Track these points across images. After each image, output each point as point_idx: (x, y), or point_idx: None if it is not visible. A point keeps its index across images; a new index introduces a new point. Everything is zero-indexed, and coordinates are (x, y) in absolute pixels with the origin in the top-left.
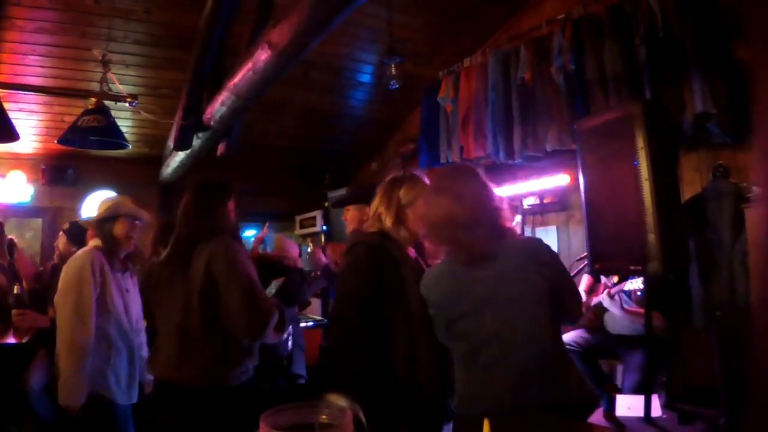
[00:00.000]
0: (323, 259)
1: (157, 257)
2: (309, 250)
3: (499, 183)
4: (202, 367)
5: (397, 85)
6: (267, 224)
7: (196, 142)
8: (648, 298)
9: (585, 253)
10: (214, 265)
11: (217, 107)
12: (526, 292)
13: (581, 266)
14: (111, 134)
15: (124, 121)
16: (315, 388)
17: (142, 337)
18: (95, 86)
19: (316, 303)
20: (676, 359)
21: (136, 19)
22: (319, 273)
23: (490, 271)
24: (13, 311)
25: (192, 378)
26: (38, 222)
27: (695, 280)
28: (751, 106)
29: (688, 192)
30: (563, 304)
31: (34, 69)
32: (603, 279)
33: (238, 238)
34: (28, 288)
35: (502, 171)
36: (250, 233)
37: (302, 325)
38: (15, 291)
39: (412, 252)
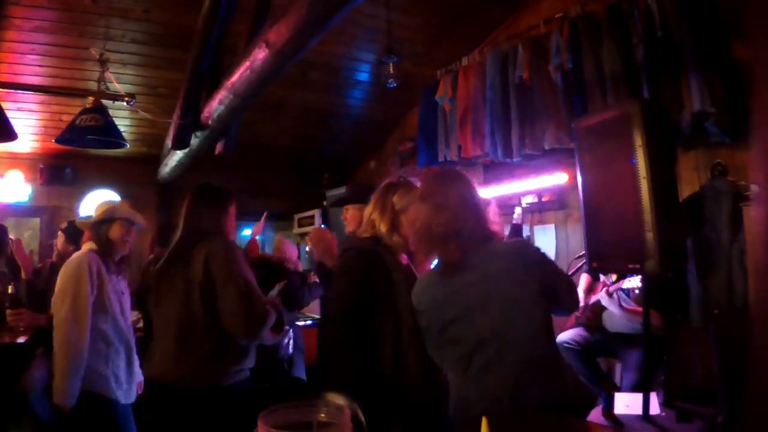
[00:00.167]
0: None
1: (154, 257)
2: (307, 249)
3: (497, 182)
4: (199, 367)
5: (395, 84)
6: (265, 215)
7: (194, 141)
8: (646, 297)
9: (583, 252)
10: (213, 264)
11: (215, 106)
12: (518, 294)
13: (579, 265)
14: (109, 133)
15: (122, 120)
16: (313, 388)
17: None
18: (93, 85)
19: (314, 302)
20: (674, 357)
21: (134, 19)
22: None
23: (481, 274)
24: (8, 311)
25: (189, 377)
26: (36, 221)
27: (693, 279)
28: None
29: (686, 191)
30: (558, 297)
31: (32, 68)
32: (601, 277)
33: (233, 240)
34: (25, 280)
35: (500, 170)
36: (248, 232)
37: (300, 323)
38: (9, 291)
39: (404, 258)
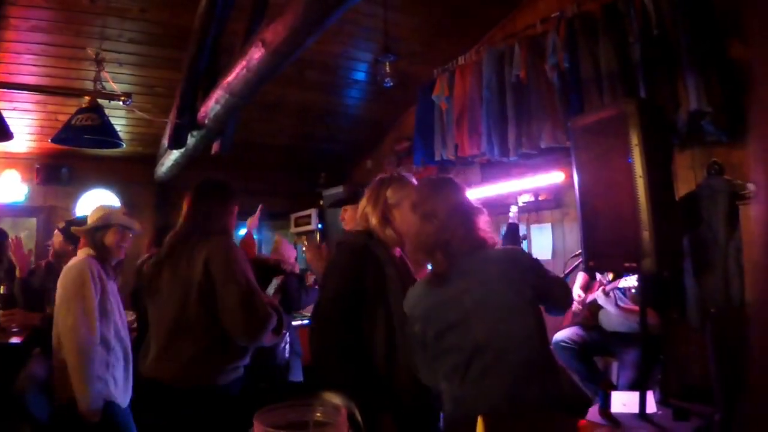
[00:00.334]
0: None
1: (148, 256)
2: (303, 249)
3: (494, 181)
4: (194, 366)
5: (392, 84)
6: (260, 207)
7: (191, 140)
8: (643, 296)
9: (580, 251)
10: (213, 264)
11: (212, 106)
12: (513, 299)
13: (576, 264)
14: (105, 133)
15: (119, 119)
16: (309, 387)
17: None
18: (89, 85)
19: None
20: (670, 356)
21: (131, 18)
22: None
23: (476, 281)
24: (0, 312)
25: (184, 376)
26: (32, 221)
27: (690, 278)
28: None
29: (682, 189)
30: (552, 298)
31: (29, 68)
32: (598, 276)
33: (232, 238)
34: (20, 278)
35: (497, 169)
36: (243, 232)
37: (296, 323)
38: (1, 291)
39: (398, 251)
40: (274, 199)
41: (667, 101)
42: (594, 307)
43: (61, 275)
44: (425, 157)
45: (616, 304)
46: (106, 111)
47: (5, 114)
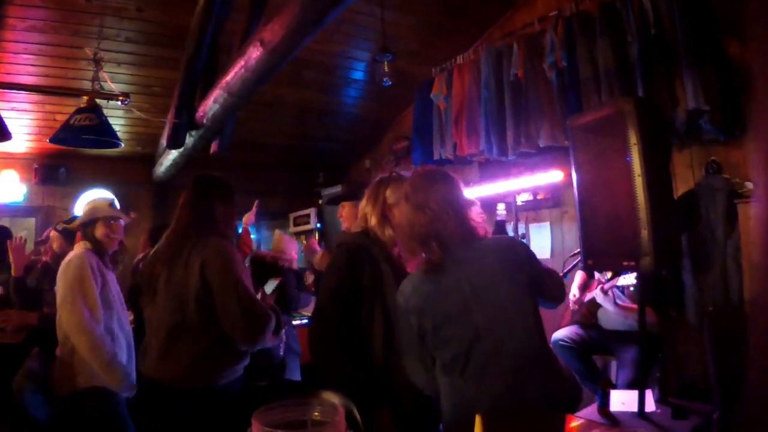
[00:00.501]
0: (317, 247)
1: (144, 255)
2: (302, 248)
3: (492, 180)
4: (192, 367)
5: (390, 83)
6: (256, 203)
7: (189, 140)
8: (641, 294)
9: (578, 249)
10: (209, 271)
11: (210, 105)
12: (510, 288)
13: (575, 262)
14: (103, 133)
15: (117, 119)
16: (308, 386)
17: None
18: (87, 85)
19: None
20: (669, 355)
21: (129, 18)
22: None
23: (472, 270)
24: None
25: (183, 377)
26: (31, 221)
27: (688, 276)
28: (744, 102)
29: (680, 188)
30: (545, 289)
31: (26, 68)
32: (596, 275)
33: (229, 239)
34: (14, 277)
35: (496, 168)
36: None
37: (296, 323)
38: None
39: (396, 251)
40: (272, 198)
41: (665, 100)
42: (593, 306)
43: (61, 269)
44: (424, 157)
45: (615, 303)
46: (105, 111)
47: (3, 114)
